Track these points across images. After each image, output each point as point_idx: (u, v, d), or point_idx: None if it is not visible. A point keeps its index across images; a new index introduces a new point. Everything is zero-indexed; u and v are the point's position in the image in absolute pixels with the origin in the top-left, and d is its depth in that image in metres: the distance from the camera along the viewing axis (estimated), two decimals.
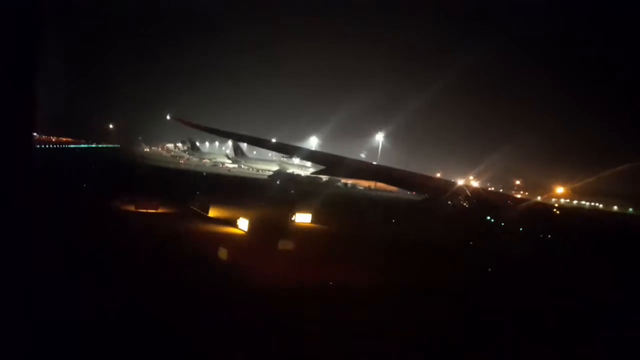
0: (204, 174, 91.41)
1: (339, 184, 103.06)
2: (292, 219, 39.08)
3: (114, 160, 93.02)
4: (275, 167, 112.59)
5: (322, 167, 21.44)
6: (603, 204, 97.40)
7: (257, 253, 26.60)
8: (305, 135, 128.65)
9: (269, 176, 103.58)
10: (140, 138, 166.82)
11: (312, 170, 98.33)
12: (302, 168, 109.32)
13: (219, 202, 40.26)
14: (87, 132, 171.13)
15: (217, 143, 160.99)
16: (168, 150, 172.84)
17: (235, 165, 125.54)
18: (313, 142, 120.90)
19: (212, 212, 37.19)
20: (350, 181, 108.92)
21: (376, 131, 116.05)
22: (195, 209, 38.02)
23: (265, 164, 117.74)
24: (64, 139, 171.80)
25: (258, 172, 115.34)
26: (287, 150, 24.93)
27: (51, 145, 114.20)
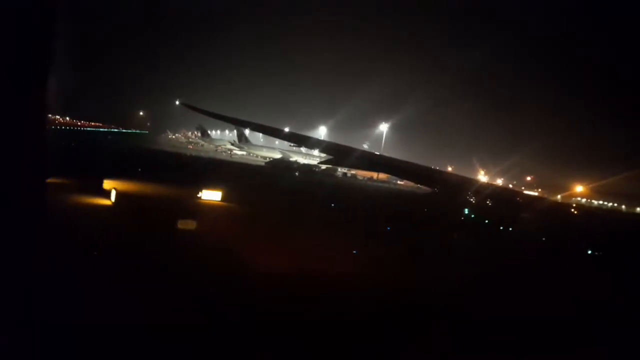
0: (184, 156, 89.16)
1: (337, 173, 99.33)
2: (198, 195, 36.03)
3: (107, 143, 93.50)
4: (278, 155, 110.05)
5: (329, 157, 21.88)
6: (625, 205, 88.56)
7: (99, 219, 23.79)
8: (314, 125, 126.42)
9: (266, 163, 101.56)
10: (149, 124, 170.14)
11: (319, 159, 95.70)
12: (307, 157, 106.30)
13: (143, 179, 38.21)
14: (120, 119, 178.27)
15: (235, 132, 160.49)
16: (187, 137, 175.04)
17: (244, 153, 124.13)
18: (322, 132, 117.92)
19: (108, 185, 34.79)
20: (352, 171, 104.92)
21: (386, 123, 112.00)
22: (90, 181, 35.68)
23: (268, 151, 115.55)
24: (93, 124, 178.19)
25: (265, 160, 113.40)
26: (297, 139, 25.99)
27: (64, 128, 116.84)
